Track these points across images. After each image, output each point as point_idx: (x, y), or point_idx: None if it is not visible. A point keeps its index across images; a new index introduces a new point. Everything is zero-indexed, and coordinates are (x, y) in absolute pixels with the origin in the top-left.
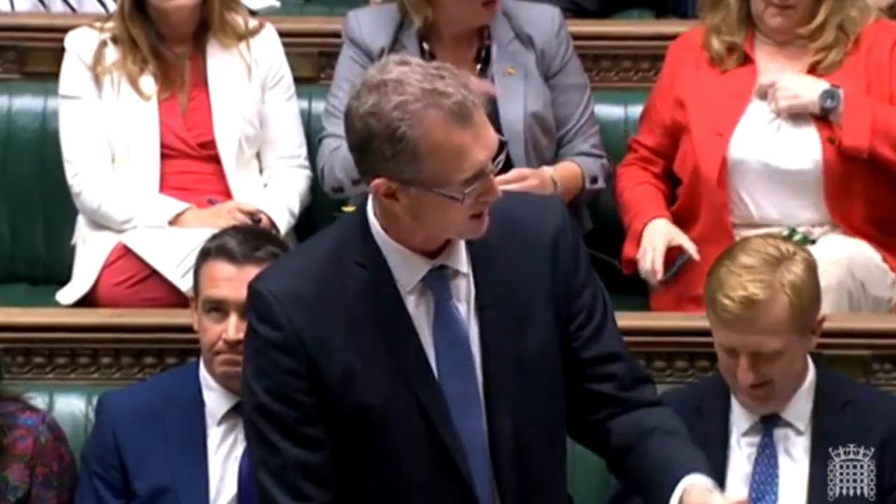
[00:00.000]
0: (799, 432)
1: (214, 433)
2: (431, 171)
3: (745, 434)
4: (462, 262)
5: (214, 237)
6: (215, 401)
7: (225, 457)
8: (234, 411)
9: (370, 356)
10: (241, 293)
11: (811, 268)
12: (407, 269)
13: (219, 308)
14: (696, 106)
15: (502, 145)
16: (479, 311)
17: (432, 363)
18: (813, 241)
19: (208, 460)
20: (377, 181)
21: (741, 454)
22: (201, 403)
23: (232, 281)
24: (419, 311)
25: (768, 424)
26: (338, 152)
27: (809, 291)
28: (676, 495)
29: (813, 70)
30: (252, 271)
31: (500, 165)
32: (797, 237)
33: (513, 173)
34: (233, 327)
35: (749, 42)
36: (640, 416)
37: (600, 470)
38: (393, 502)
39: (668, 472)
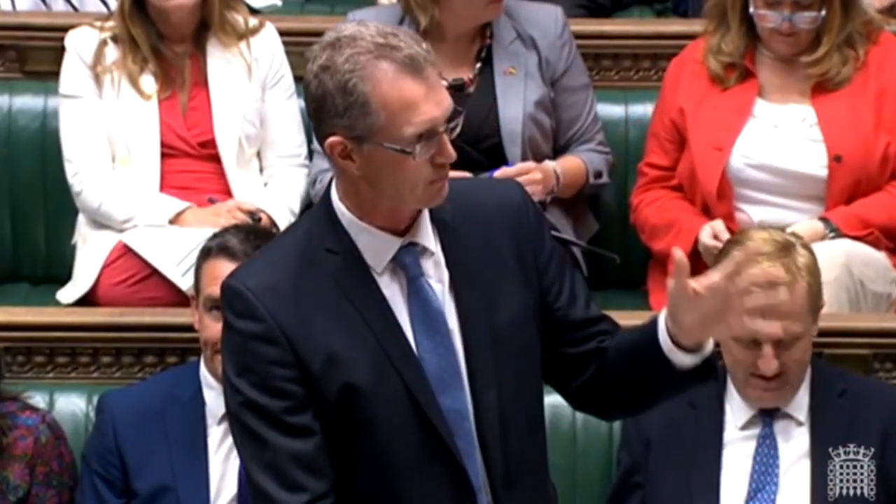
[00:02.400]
0: (799, 423)
1: (215, 432)
2: (382, 123)
3: (744, 427)
4: (430, 240)
5: (215, 236)
6: (216, 400)
7: (225, 456)
8: None
9: (351, 341)
10: None
11: (813, 252)
12: (376, 250)
13: (219, 307)
14: (695, 121)
15: (457, 112)
16: (453, 288)
17: (411, 341)
18: None
19: (209, 459)
20: (332, 139)
21: (738, 447)
22: (202, 402)
23: None
24: (393, 291)
25: (767, 416)
26: (324, 178)
27: (818, 274)
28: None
29: (818, 86)
30: None
31: (457, 132)
32: None
33: (517, 167)
34: None
35: (750, 57)
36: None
37: (602, 463)
38: (382, 485)
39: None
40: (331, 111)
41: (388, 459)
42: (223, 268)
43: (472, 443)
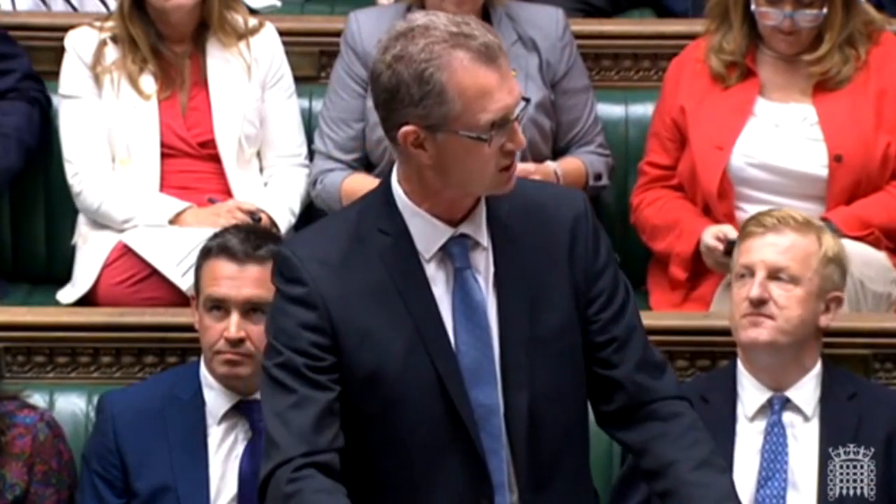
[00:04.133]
0: (806, 418)
1: (215, 432)
2: (458, 112)
3: (753, 419)
4: (483, 235)
5: (216, 236)
6: (215, 400)
7: (225, 456)
8: (234, 410)
9: (389, 321)
10: (242, 292)
11: (842, 247)
12: (428, 236)
13: (220, 306)
14: (696, 120)
15: (525, 100)
16: (497, 285)
17: (450, 331)
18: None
19: (209, 459)
20: (405, 129)
21: (749, 440)
22: (202, 402)
23: (233, 279)
24: (438, 279)
25: (777, 405)
26: (325, 179)
27: (838, 257)
28: None
29: (819, 85)
30: (253, 270)
31: (524, 119)
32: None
33: (521, 166)
34: (234, 325)
35: (751, 56)
36: (658, 432)
37: (603, 460)
38: (401, 468)
39: None
40: (405, 100)
41: (409, 444)
42: (223, 268)
43: (500, 440)
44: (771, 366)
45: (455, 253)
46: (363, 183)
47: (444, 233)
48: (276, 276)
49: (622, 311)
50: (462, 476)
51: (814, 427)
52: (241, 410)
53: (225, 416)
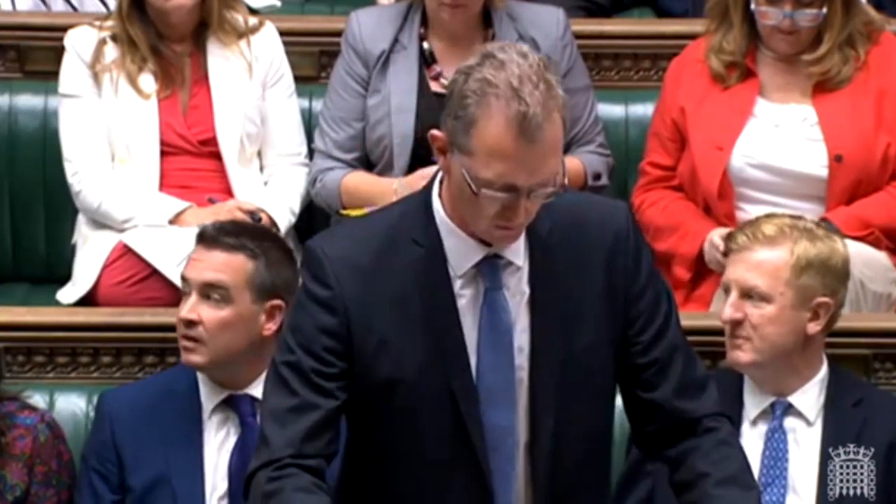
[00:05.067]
0: (809, 423)
1: (210, 425)
2: (471, 150)
3: (755, 421)
4: (518, 254)
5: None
6: (208, 394)
7: (218, 449)
8: (224, 404)
9: (409, 333)
10: (202, 274)
11: (830, 249)
12: (461, 253)
13: (186, 288)
14: (696, 120)
15: (551, 187)
16: (531, 304)
17: (472, 351)
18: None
19: (204, 452)
20: (438, 132)
21: (750, 444)
22: (197, 396)
23: (197, 261)
24: (467, 297)
25: (778, 410)
26: (325, 177)
27: (814, 258)
28: None
29: (819, 86)
30: (218, 256)
31: (543, 201)
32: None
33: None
34: (188, 306)
35: (751, 56)
36: (691, 446)
37: None
38: (407, 481)
39: None
40: (449, 108)
41: (416, 457)
42: (195, 252)
43: (512, 462)
44: (764, 378)
45: (486, 273)
46: (363, 180)
47: (476, 252)
48: (303, 270)
49: (663, 331)
50: (465, 494)
51: (816, 432)
52: (231, 405)
53: (216, 410)
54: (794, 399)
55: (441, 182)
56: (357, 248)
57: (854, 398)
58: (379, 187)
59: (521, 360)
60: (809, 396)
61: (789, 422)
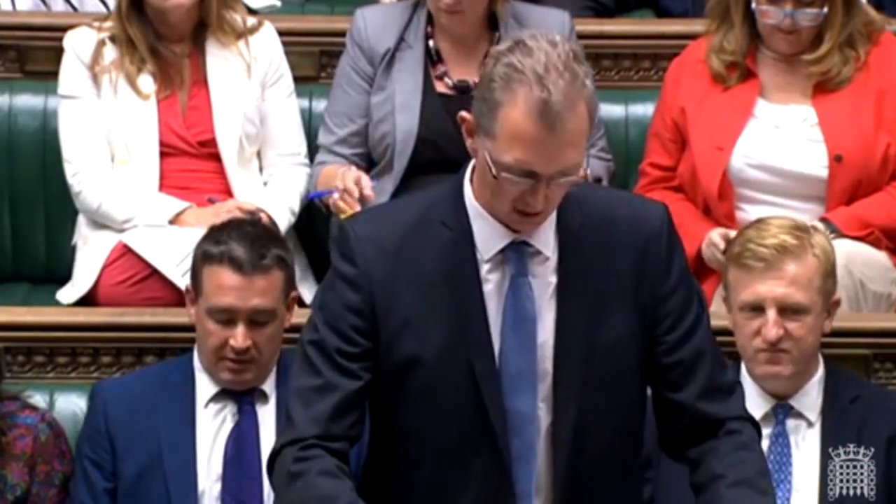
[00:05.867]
0: (810, 424)
1: (203, 414)
2: (493, 133)
3: None
4: (548, 244)
5: (218, 240)
6: (205, 383)
7: (213, 437)
8: (222, 393)
9: (433, 315)
10: (249, 302)
11: (831, 244)
12: (489, 238)
13: (226, 315)
14: (696, 120)
15: (571, 175)
16: (558, 295)
17: (495, 336)
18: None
19: (196, 439)
20: (468, 114)
21: None
22: (193, 385)
23: (240, 290)
24: (493, 282)
25: (780, 414)
26: (315, 169)
27: (832, 262)
28: None
29: (819, 86)
30: (260, 281)
31: (561, 188)
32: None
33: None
34: (241, 336)
35: (752, 57)
36: (711, 448)
37: None
38: (424, 461)
39: None
40: (478, 91)
41: (436, 439)
42: (229, 279)
43: (533, 449)
44: (780, 385)
45: (513, 259)
46: (327, 170)
47: (503, 237)
48: (333, 249)
49: (691, 334)
50: (485, 479)
51: (816, 432)
52: (229, 394)
53: (213, 399)
54: (795, 401)
55: (473, 166)
56: (387, 229)
57: (851, 395)
58: (326, 178)
59: (546, 349)
60: (810, 397)
61: (791, 424)
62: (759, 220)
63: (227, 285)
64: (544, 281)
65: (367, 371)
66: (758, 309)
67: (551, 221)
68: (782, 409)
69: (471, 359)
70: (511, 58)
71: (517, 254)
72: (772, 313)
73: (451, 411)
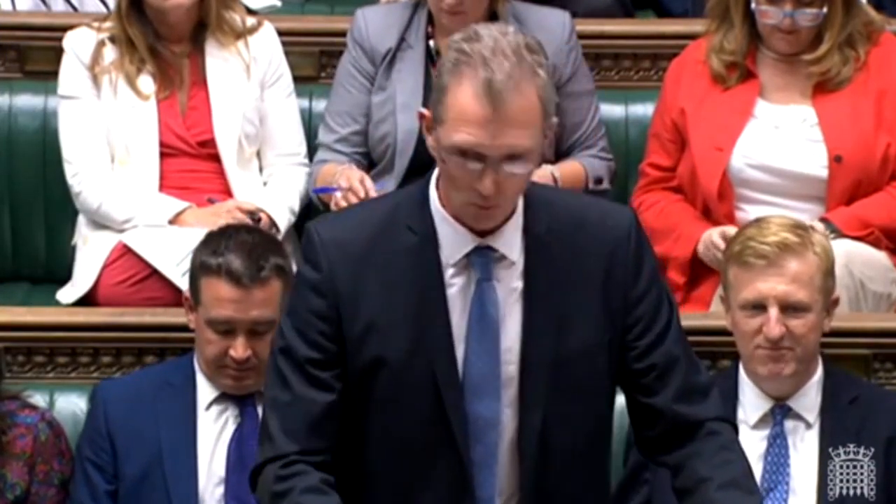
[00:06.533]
0: (809, 425)
1: (205, 416)
2: (442, 118)
3: (755, 427)
4: (514, 249)
5: (216, 251)
6: (206, 386)
7: (215, 440)
8: (224, 396)
9: (397, 319)
10: (249, 314)
11: (829, 243)
12: (453, 242)
13: (225, 327)
14: (696, 121)
15: (519, 158)
16: (524, 300)
17: (459, 341)
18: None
19: (197, 442)
20: (426, 110)
21: (749, 447)
22: (193, 387)
23: (239, 303)
24: (458, 287)
25: (779, 415)
26: (314, 168)
27: (832, 260)
28: None
29: (819, 86)
30: (258, 293)
31: (513, 178)
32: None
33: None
34: (241, 346)
35: (752, 57)
36: (693, 451)
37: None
38: (391, 466)
39: None
40: (436, 81)
41: (398, 444)
42: (227, 291)
43: (494, 455)
44: (781, 385)
45: (478, 263)
46: (328, 168)
47: (468, 242)
48: (302, 253)
49: (662, 338)
50: (447, 484)
51: (814, 433)
52: (231, 396)
53: (215, 401)
54: (793, 402)
55: (439, 171)
56: (352, 233)
57: (850, 395)
58: (325, 177)
59: (512, 354)
60: (808, 398)
61: (789, 425)
62: (759, 219)
63: (225, 298)
64: (510, 286)
65: (339, 379)
66: (759, 307)
67: (517, 225)
68: (781, 410)
69: (432, 364)
70: (462, 45)
71: (482, 258)
72: (773, 311)
73: (414, 416)
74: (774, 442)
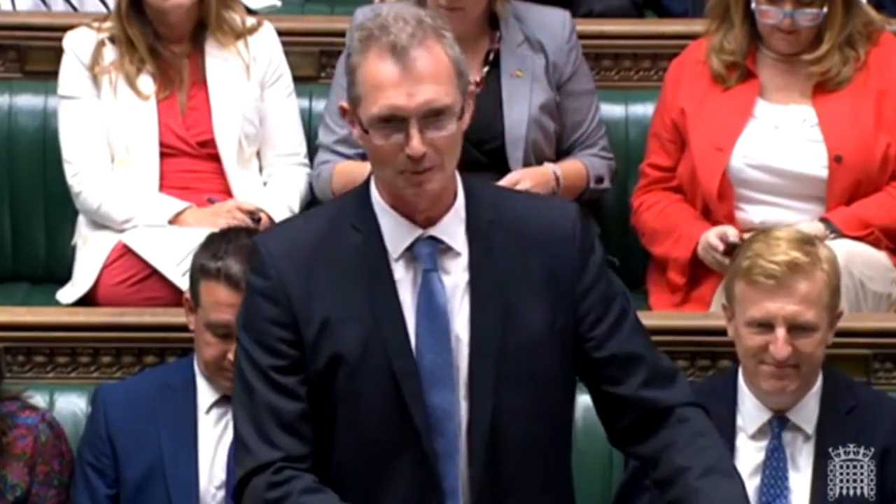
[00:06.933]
0: (807, 437)
1: (205, 420)
2: (360, 97)
3: (753, 437)
4: (458, 240)
5: (215, 255)
6: (206, 389)
7: (216, 443)
8: (224, 399)
9: (349, 315)
10: None
11: (835, 255)
12: (396, 235)
13: (224, 330)
14: (696, 121)
15: (435, 112)
16: (471, 291)
17: (411, 332)
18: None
19: (199, 445)
20: (344, 102)
21: (748, 457)
22: (194, 391)
23: (237, 307)
24: (406, 280)
25: (777, 427)
26: (321, 168)
27: (838, 275)
28: None
29: (819, 87)
30: None
31: (437, 135)
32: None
33: (507, 178)
34: (233, 351)
35: (752, 57)
36: (668, 441)
37: (602, 463)
38: (358, 460)
39: None
40: (345, 71)
41: (362, 440)
42: (226, 295)
43: (455, 445)
44: (782, 399)
45: (423, 254)
46: (355, 167)
47: (410, 233)
48: (249, 267)
49: (618, 326)
50: (412, 477)
51: (812, 443)
52: (230, 400)
53: (215, 405)
54: (792, 415)
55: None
56: (297, 239)
57: (848, 405)
58: (345, 177)
59: (461, 345)
60: (807, 409)
61: (787, 437)
62: (766, 233)
63: (223, 302)
64: (456, 277)
65: (304, 384)
66: (766, 325)
67: (460, 218)
68: (779, 422)
69: (389, 356)
70: (364, 24)
71: (427, 248)
72: (781, 331)
73: (375, 410)
74: (773, 455)
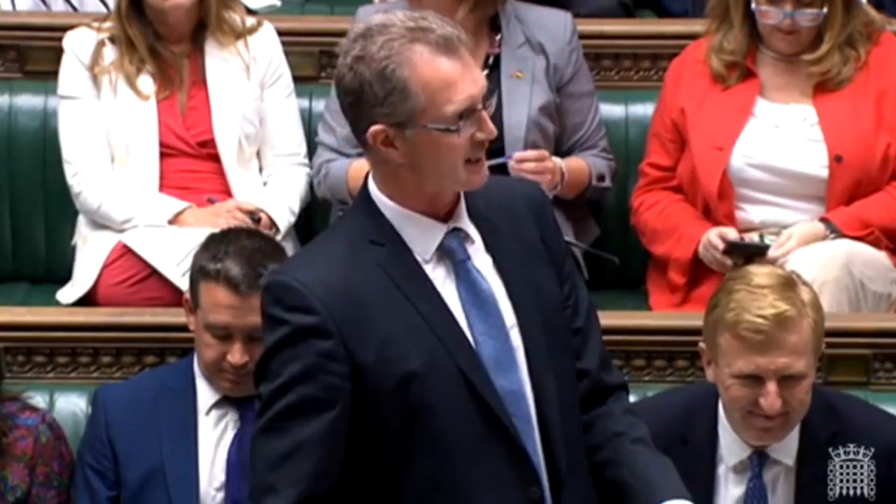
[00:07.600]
0: (788, 470)
1: (205, 421)
2: (424, 105)
3: (734, 470)
4: (470, 227)
5: (215, 256)
6: (206, 390)
7: (215, 444)
8: (224, 400)
9: (403, 329)
10: (246, 320)
11: (812, 289)
12: (422, 238)
13: (223, 332)
14: (696, 121)
15: (491, 92)
16: (499, 271)
17: (464, 325)
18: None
19: (199, 446)
20: (374, 129)
21: (728, 488)
22: (194, 392)
23: (237, 309)
24: (440, 277)
25: (757, 465)
26: (329, 167)
27: (822, 314)
28: None
29: (819, 86)
30: (256, 300)
31: (492, 109)
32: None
33: (533, 152)
34: (238, 352)
35: (752, 57)
36: (603, 412)
37: None
38: (440, 471)
39: (645, 493)
40: (370, 101)
41: (446, 444)
42: (225, 297)
43: (531, 423)
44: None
45: (453, 247)
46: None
47: (438, 230)
48: (276, 306)
49: (583, 300)
50: (506, 465)
51: (792, 478)
52: (231, 401)
53: (215, 406)
54: (772, 451)
55: (375, 178)
56: (324, 267)
57: (829, 433)
58: (355, 175)
59: (509, 324)
60: (788, 444)
61: (768, 475)
62: (746, 278)
63: (223, 304)
64: (482, 262)
65: (343, 419)
66: (755, 377)
67: (464, 207)
68: (759, 458)
69: (452, 356)
70: (375, 45)
71: (455, 240)
72: (772, 385)
73: (454, 412)
74: (753, 493)
